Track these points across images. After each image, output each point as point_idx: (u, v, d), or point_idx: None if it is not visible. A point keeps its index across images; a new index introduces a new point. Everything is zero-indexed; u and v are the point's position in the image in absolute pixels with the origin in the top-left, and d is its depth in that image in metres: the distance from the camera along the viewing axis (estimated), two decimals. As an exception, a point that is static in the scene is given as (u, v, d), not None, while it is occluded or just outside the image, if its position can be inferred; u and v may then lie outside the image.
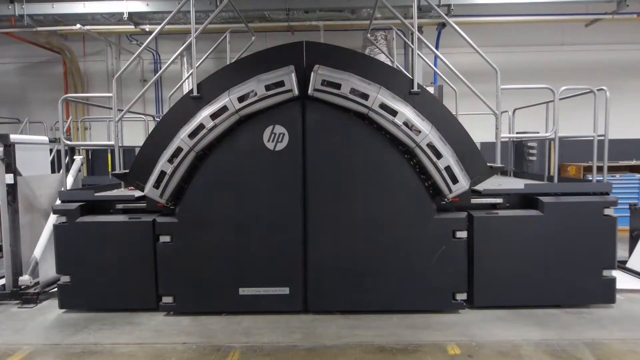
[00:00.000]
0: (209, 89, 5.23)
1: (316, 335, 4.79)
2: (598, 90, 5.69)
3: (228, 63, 6.64)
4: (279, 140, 5.20)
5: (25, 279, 5.97)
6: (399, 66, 9.10)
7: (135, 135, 10.16)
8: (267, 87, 4.97)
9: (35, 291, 5.95)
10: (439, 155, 4.98)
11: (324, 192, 5.24)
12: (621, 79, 11.34)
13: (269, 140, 5.20)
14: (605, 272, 5.38)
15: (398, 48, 10.92)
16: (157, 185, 5.13)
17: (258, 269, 5.31)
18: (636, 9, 9.82)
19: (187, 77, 7.73)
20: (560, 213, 5.31)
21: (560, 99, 5.65)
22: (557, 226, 5.30)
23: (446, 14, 8.27)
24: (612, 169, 10.06)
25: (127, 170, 5.40)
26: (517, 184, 6.11)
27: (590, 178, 6.00)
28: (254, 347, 4.55)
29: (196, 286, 5.33)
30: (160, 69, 11.70)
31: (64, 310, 5.58)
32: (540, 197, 5.39)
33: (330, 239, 5.27)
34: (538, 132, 8.38)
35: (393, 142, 5.17)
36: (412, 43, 6.20)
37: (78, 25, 9.92)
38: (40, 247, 6.10)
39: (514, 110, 7.62)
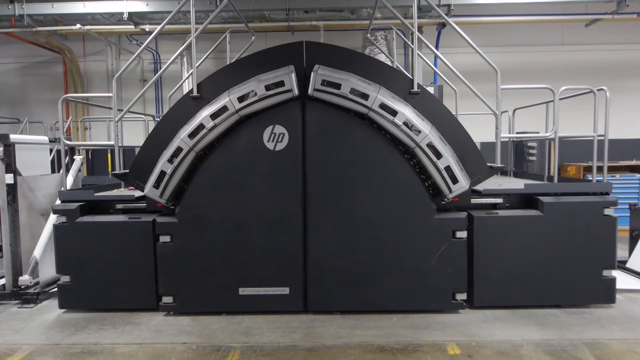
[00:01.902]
0: (209, 89, 5.23)
1: (316, 335, 4.79)
2: (598, 90, 5.69)
3: (228, 63, 6.63)
4: (279, 140, 5.20)
5: (25, 279, 5.97)
6: (399, 66, 9.10)
7: (135, 135, 10.18)
8: (267, 87, 4.97)
9: (35, 291, 5.95)
10: (439, 155, 4.98)
11: (324, 192, 5.24)
12: (621, 79, 11.35)
13: (269, 140, 5.20)
14: (605, 272, 5.38)
15: (398, 48, 10.93)
16: (157, 185, 5.13)
17: (258, 269, 5.31)
18: (636, 9, 9.83)
19: (187, 77, 7.72)
20: (560, 213, 5.31)
21: (560, 99, 5.65)
22: (557, 226, 5.30)
23: (446, 14, 8.27)
24: (612, 169, 10.06)
25: (127, 170, 5.40)
26: (517, 184, 6.11)
27: (590, 178, 6.00)
28: (254, 347, 4.56)
29: (196, 286, 5.33)
30: (160, 69, 11.70)
31: (64, 310, 5.58)
32: (540, 197, 5.39)
33: (330, 239, 5.27)
34: (538, 132, 8.38)
35: (393, 142, 5.17)
36: (412, 43, 6.20)
37: (78, 25, 9.92)
38: (40, 247, 6.10)
39: (514, 110, 7.61)
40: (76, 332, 4.99)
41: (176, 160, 5.07)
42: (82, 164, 7.40)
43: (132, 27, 10.04)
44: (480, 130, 7.75)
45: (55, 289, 5.66)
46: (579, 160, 10.47)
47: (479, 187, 5.49)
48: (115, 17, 9.83)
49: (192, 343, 4.66)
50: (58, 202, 5.87)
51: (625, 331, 4.80)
